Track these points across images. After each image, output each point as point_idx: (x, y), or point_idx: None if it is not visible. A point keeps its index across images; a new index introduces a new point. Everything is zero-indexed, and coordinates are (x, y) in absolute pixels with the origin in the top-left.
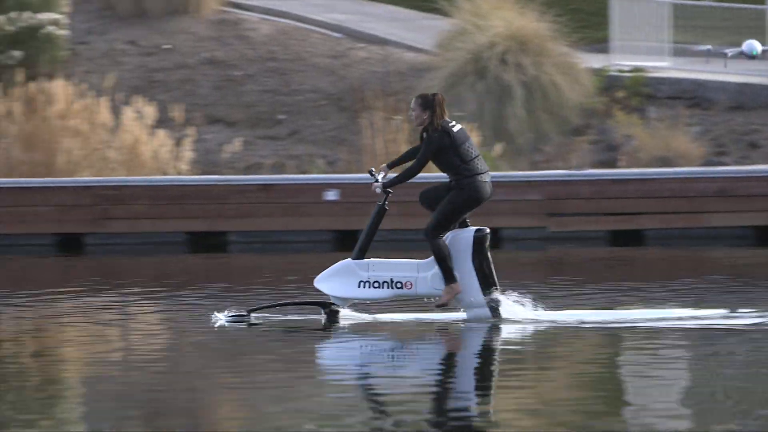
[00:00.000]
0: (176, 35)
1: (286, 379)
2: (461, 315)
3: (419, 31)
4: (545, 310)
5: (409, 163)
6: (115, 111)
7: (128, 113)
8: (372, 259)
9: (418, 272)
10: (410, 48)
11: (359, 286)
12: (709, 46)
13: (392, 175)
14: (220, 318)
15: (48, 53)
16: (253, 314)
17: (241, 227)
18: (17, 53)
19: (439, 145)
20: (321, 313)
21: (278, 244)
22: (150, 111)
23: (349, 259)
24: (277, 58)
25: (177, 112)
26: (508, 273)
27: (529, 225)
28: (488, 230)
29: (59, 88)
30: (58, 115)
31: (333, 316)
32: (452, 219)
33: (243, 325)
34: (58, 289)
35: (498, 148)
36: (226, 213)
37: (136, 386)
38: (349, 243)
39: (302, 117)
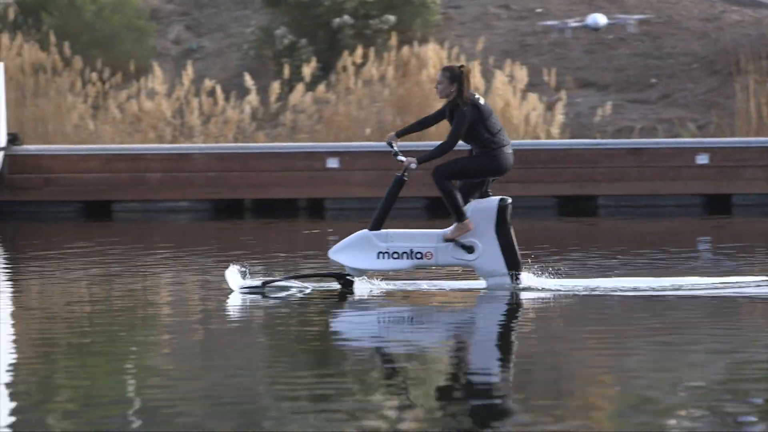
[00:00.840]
0: None
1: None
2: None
3: None
4: (565, 278)
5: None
6: (487, 75)
7: (499, 77)
8: (390, 229)
9: (438, 242)
10: None
11: (378, 257)
12: (555, 21)
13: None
14: (235, 287)
15: (421, 18)
16: (267, 286)
17: (610, 191)
18: (391, 18)
19: (471, 119)
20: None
21: (647, 209)
22: (521, 75)
23: (366, 230)
24: (649, 22)
25: (548, 76)
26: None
27: None
28: (510, 200)
29: (431, 52)
30: (431, 80)
31: (348, 287)
32: (466, 175)
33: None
34: None
35: None
36: (596, 177)
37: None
38: (718, 207)
39: (674, 80)
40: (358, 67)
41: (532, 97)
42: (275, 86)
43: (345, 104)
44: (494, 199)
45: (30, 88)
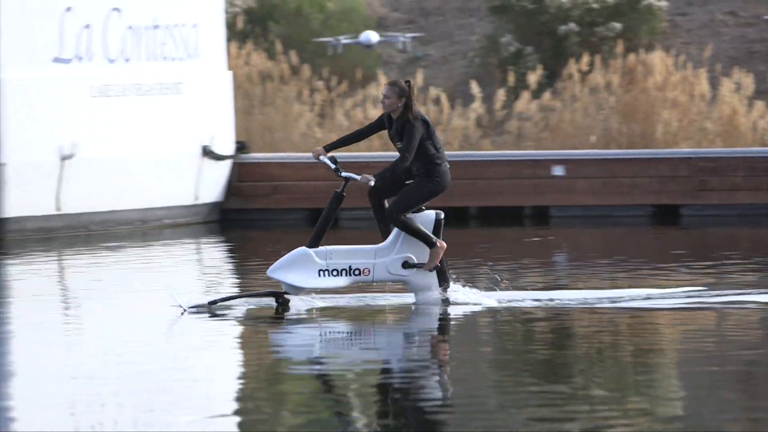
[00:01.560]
0: None
1: None
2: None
3: None
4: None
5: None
6: (713, 82)
7: (726, 84)
8: (330, 246)
9: (375, 258)
10: None
11: (319, 275)
12: (331, 39)
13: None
14: (183, 305)
15: (647, 25)
16: (212, 306)
17: None
18: (617, 25)
19: (421, 135)
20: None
21: None
22: (747, 82)
23: (305, 247)
24: None
25: None
26: None
27: None
28: (443, 214)
29: (658, 59)
30: (657, 87)
31: (285, 306)
32: (417, 204)
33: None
34: (653, 261)
35: None
36: None
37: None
38: None
39: None
40: (584, 75)
41: (759, 104)
42: (500, 94)
43: (570, 112)
44: (431, 214)
45: (257, 96)
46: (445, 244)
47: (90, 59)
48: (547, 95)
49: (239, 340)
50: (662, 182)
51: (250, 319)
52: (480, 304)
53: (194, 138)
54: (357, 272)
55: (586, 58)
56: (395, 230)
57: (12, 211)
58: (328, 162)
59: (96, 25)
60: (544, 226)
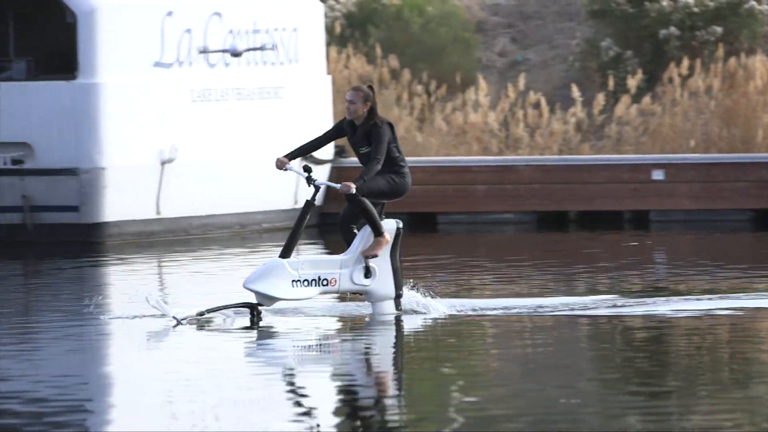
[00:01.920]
0: None
1: None
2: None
3: None
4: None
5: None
6: None
7: None
8: (301, 256)
9: (341, 268)
10: None
11: (293, 286)
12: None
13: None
14: (176, 317)
15: (748, 29)
16: (184, 321)
17: None
18: (718, 29)
19: (387, 138)
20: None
21: None
22: None
23: (278, 257)
24: None
25: None
26: None
27: None
28: (402, 223)
29: (759, 63)
30: (758, 91)
31: (257, 317)
32: (382, 195)
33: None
34: (753, 266)
35: None
36: None
37: None
38: None
39: None
40: (684, 79)
41: None
42: (600, 98)
43: (670, 116)
44: (392, 222)
45: None
46: (389, 239)
47: (190, 64)
48: (646, 99)
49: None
50: (763, 186)
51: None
52: (431, 313)
53: (294, 142)
54: (325, 282)
55: (686, 62)
56: (356, 239)
57: (112, 215)
58: (298, 171)
59: (196, 29)
60: (644, 231)
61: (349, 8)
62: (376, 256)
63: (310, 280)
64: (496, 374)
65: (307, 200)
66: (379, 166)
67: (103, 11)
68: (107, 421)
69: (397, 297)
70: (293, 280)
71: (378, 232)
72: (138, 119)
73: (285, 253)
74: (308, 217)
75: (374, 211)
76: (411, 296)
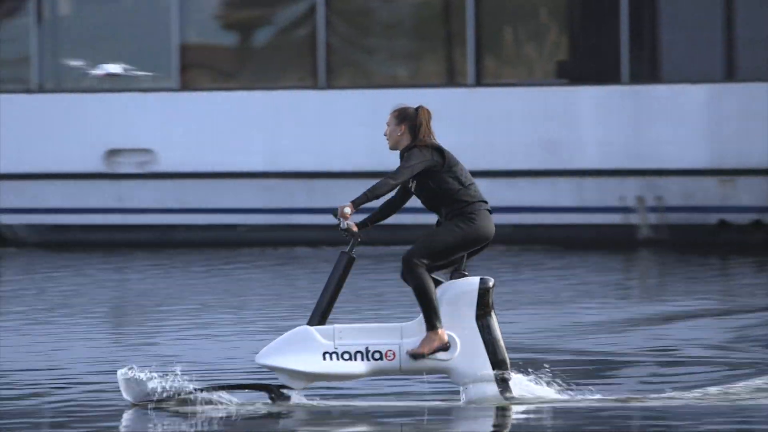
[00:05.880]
0: None
1: None
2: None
3: None
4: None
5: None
6: None
7: None
8: (337, 324)
9: (402, 338)
10: None
11: (325, 359)
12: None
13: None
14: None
15: None
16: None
17: None
18: None
19: (429, 164)
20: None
21: None
22: None
23: (305, 325)
24: None
25: None
26: None
27: None
28: (493, 281)
29: None
30: None
31: (282, 400)
32: (443, 254)
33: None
34: None
35: None
36: None
37: None
38: None
39: None
40: None
41: None
42: None
43: None
44: (473, 280)
45: None
46: (446, 339)
47: None
48: None
49: None
50: None
51: None
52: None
53: None
54: (378, 356)
55: None
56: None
57: None
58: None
59: None
60: None
61: None
62: (423, 356)
63: (353, 353)
64: None
65: (343, 251)
66: (391, 184)
67: None
68: None
69: (503, 380)
70: (326, 352)
71: (431, 325)
72: None
73: (318, 320)
74: (348, 275)
75: (432, 295)
76: (519, 381)
